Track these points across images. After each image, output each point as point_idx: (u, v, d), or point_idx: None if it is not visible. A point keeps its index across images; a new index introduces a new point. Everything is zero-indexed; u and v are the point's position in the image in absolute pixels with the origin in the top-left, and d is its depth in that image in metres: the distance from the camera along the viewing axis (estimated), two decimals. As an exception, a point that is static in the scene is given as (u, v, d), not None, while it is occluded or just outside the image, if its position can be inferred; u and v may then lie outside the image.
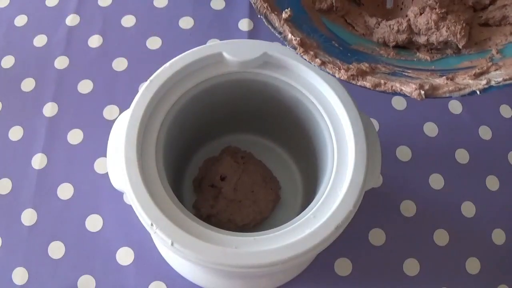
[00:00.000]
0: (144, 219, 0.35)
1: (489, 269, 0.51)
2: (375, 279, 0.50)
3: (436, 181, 0.54)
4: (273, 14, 0.39)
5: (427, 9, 0.41)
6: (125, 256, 0.49)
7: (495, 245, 0.52)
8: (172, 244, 0.34)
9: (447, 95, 0.35)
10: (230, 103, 0.46)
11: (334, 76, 0.36)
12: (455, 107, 0.58)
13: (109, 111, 0.56)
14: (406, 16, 0.42)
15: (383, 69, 0.38)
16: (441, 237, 0.52)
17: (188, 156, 0.51)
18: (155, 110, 0.40)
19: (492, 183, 0.55)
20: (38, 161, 0.53)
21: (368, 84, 0.36)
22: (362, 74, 0.36)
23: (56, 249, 0.49)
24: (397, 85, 0.35)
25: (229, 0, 0.63)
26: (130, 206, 0.37)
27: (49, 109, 0.56)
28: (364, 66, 0.37)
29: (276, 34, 0.38)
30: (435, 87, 0.35)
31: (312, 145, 0.45)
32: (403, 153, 0.55)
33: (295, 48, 0.37)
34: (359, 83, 0.36)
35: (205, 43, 0.59)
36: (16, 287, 0.48)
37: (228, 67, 0.42)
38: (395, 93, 0.35)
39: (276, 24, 0.38)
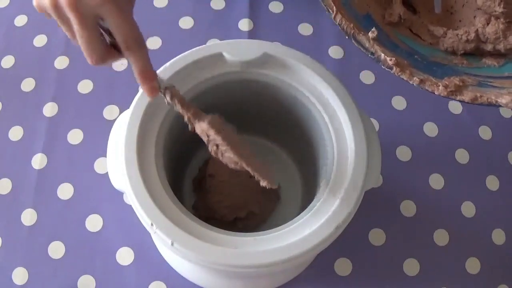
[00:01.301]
0: (144, 219, 0.36)
1: (489, 269, 0.51)
2: (375, 279, 0.50)
3: (436, 181, 0.54)
4: (361, 34, 0.39)
5: (492, 19, 0.43)
6: (125, 256, 0.49)
7: (495, 245, 0.52)
8: (172, 244, 0.35)
9: None
10: (230, 103, 0.46)
11: (433, 93, 0.37)
12: (455, 107, 0.58)
13: (109, 111, 0.56)
14: (473, 26, 0.44)
15: (469, 81, 0.40)
16: (441, 237, 0.52)
17: (188, 156, 0.51)
18: (155, 110, 0.40)
19: (492, 183, 0.55)
20: (38, 161, 0.53)
21: (466, 99, 0.37)
22: (459, 89, 0.38)
23: (56, 249, 0.49)
24: (493, 97, 0.37)
25: (229, 0, 0.63)
26: (130, 206, 0.37)
27: (49, 109, 0.56)
28: (456, 80, 0.39)
29: (368, 55, 0.39)
30: None
31: (312, 145, 0.45)
32: (403, 153, 0.55)
33: (390, 68, 0.38)
34: (458, 98, 0.38)
35: (205, 43, 0.59)
36: (16, 287, 0.48)
37: (228, 67, 0.42)
38: (490, 104, 0.37)
39: (367, 45, 0.39)
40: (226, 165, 0.45)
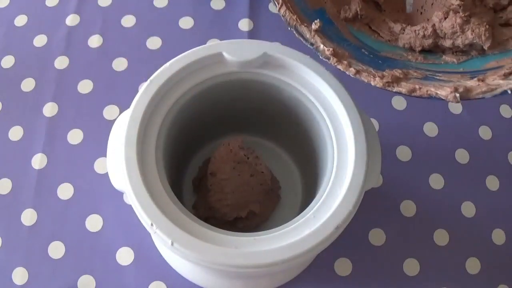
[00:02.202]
0: (144, 219, 0.36)
1: (489, 269, 0.51)
2: (375, 279, 0.50)
3: (436, 181, 0.54)
4: (303, 25, 0.39)
5: (451, 13, 0.42)
6: (125, 256, 0.49)
7: (495, 245, 0.52)
8: (172, 244, 0.35)
9: (480, 96, 0.35)
10: (230, 103, 0.46)
11: (370, 84, 0.37)
12: (455, 107, 0.58)
13: (109, 111, 0.56)
14: (430, 21, 0.43)
15: (415, 74, 0.39)
16: (441, 237, 0.52)
17: (188, 156, 0.51)
18: (155, 110, 0.40)
19: (492, 183, 0.55)
20: (38, 161, 0.53)
21: (404, 90, 0.36)
22: (397, 80, 0.37)
23: (56, 249, 0.49)
24: (432, 89, 0.36)
25: (229, 0, 0.63)
26: (130, 206, 0.37)
27: (49, 109, 0.56)
28: (397, 72, 0.38)
29: (308, 45, 0.38)
30: (468, 89, 0.35)
31: (312, 145, 0.45)
32: (403, 153, 0.55)
33: (328, 59, 0.38)
34: (394, 90, 0.37)
35: (205, 43, 0.59)
36: (16, 287, 0.48)
37: (228, 67, 0.42)
38: (430, 97, 0.36)
39: (307, 36, 0.39)
40: (227, 163, 0.46)
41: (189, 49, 0.41)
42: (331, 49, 0.37)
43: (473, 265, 0.51)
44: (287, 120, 0.47)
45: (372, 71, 0.37)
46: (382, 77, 0.36)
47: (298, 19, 0.39)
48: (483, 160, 0.56)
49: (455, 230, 0.52)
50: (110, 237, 0.50)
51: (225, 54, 0.41)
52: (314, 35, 0.39)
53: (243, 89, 0.44)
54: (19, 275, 0.48)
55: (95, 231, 0.50)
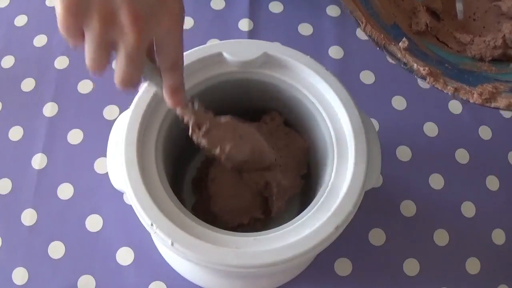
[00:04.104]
0: (144, 219, 0.36)
1: (489, 269, 0.51)
2: (375, 279, 0.50)
3: (436, 181, 0.54)
4: (391, 45, 0.39)
5: None
6: (125, 256, 0.49)
7: (495, 245, 0.52)
8: (172, 244, 0.34)
9: None
10: (230, 103, 0.46)
11: (468, 101, 0.37)
12: (455, 107, 0.58)
13: (109, 111, 0.56)
14: (501, 32, 0.44)
15: (502, 87, 0.40)
16: (441, 237, 0.52)
17: (188, 156, 0.51)
18: (155, 110, 0.40)
19: (492, 183, 0.55)
20: (38, 161, 0.53)
21: (502, 105, 0.38)
22: (492, 96, 0.38)
23: (56, 249, 0.49)
24: None
25: (229, 0, 0.63)
26: (130, 206, 0.37)
27: (49, 109, 0.56)
28: (489, 87, 0.38)
29: (401, 66, 0.38)
30: None
31: (312, 145, 0.45)
32: (403, 153, 0.55)
33: (424, 78, 0.38)
34: (492, 105, 0.38)
35: (205, 43, 0.59)
36: (16, 287, 0.48)
37: (228, 67, 0.42)
38: None
39: (399, 55, 0.39)
40: (227, 166, 0.45)
41: (189, 49, 0.41)
42: (427, 68, 0.37)
43: (473, 265, 0.51)
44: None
45: (467, 88, 0.38)
46: (480, 94, 0.37)
47: (386, 38, 0.39)
48: (483, 160, 0.56)
49: (455, 230, 0.52)
50: (110, 237, 0.50)
51: (225, 54, 0.41)
52: (405, 54, 0.39)
53: (243, 89, 0.44)
54: (19, 275, 0.48)
55: (95, 231, 0.50)
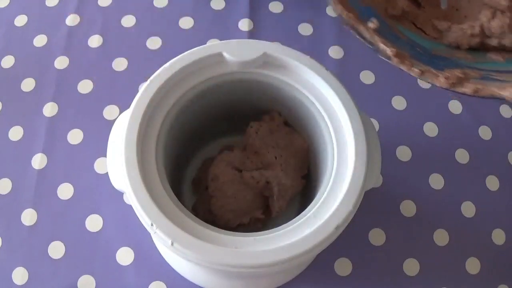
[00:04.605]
0: (144, 219, 0.35)
1: (489, 269, 0.51)
2: (375, 279, 0.50)
3: (436, 181, 0.54)
4: (360, 25, 0.39)
5: (498, 13, 0.42)
6: (125, 256, 0.49)
7: (495, 245, 0.52)
8: (172, 244, 0.34)
9: None
10: (230, 103, 0.46)
11: (434, 85, 0.36)
12: (455, 107, 0.58)
13: (109, 111, 0.56)
14: (478, 20, 0.43)
15: (472, 74, 0.39)
16: (441, 237, 0.52)
17: (188, 156, 0.51)
18: (155, 110, 0.40)
19: (492, 183, 0.55)
20: (38, 161, 0.53)
21: (468, 91, 0.36)
22: (460, 81, 0.37)
23: (56, 249, 0.49)
24: (495, 89, 0.36)
25: (229, 0, 0.63)
26: (130, 206, 0.37)
27: (49, 109, 0.56)
28: (458, 72, 0.37)
29: (367, 45, 0.38)
30: None
31: (312, 145, 0.45)
32: (403, 153, 0.55)
33: (389, 59, 0.37)
34: (459, 90, 0.37)
35: (205, 43, 0.59)
36: (16, 287, 0.48)
37: (228, 67, 0.42)
38: (493, 97, 0.36)
39: (367, 36, 0.38)
40: (228, 166, 0.45)
41: (189, 49, 0.41)
42: (393, 49, 0.37)
43: (473, 265, 0.51)
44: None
45: (434, 71, 0.37)
46: (447, 78, 0.36)
47: (355, 18, 0.39)
48: (483, 160, 0.56)
49: (455, 230, 0.52)
50: (110, 237, 0.50)
51: (225, 54, 0.41)
52: (373, 35, 0.38)
53: (243, 89, 0.44)
54: (19, 275, 0.48)
55: (95, 231, 0.50)
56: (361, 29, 0.38)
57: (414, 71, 0.37)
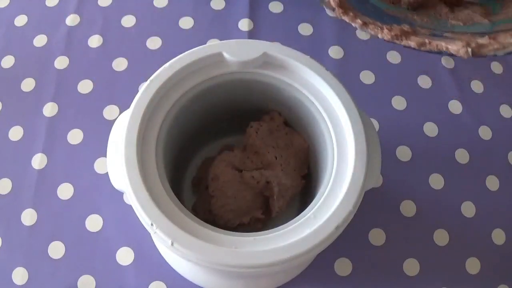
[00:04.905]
0: (144, 219, 0.36)
1: (489, 269, 0.51)
2: (375, 279, 0.50)
3: (436, 181, 0.54)
4: None
5: None
6: (125, 256, 0.49)
7: (495, 245, 0.52)
8: (172, 244, 0.35)
9: (492, 53, 0.34)
10: (230, 103, 0.46)
11: (377, 37, 0.35)
12: (455, 107, 0.58)
13: (109, 111, 0.56)
14: None
15: (422, 31, 0.37)
16: (441, 237, 0.52)
17: (188, 156, 0.51)
18: (155, 110, 0.40)
19: (492, 183, 0.55)
20: (38, 161, 0.53)
21: (413, 43, 0.35)
22: (406, 34, 0.35)
23: (56, 249, 0.49)
24: (443, 44, 0.34)
25: (229, 0, 0.63)
26: (130, 206, 0.37)
27: (49, 109, 0.56)
28: (405, 27, 0.36)
29: None
30: (480, 45, 0.34)
31: (312, 145, 0.45)
32: (403, 153, 0.55)
33: (333, 9, 0.36)
34: (403, 43, 0.35)
35: (205, 43, 0.59)
36: (16, 287, 0.48)
37: (228, 67, 0.42)
38: (440, 52, 0.34)
39: None
40: (228, 166, 0.45)
41: (189, 49, 0.41)
42: (337, 0, 0.36)
43: (473, 265, 0.51)
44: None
45: (379, 23, 0.36)
46: (390, 30, 0.35)
47: None
48: (483, 160, 0.56)
49: (455, 230, 0.52)
50: (110, 237, 0.50)
51: (225, 54, 0.41)
52: None
53: (243, 89, 0.44)
54: (19, 275, 0.48)
55: (95, 231, 0.50)
56: None
57: (357, 22, 0.36)
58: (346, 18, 0.36)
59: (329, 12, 0.36)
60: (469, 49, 0.34)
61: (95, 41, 0.60)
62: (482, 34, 0.37)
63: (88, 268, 0.49)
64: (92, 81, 0.58)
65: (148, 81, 0.40)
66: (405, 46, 0.35)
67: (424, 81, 0.59)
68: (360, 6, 0.39)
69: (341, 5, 0.36)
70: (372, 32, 0.35)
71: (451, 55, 0.34)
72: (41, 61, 0.59)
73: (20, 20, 0.61)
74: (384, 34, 0.35)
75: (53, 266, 0.49)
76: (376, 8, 0.41)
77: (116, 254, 0.49)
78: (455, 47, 0.34)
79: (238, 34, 0.61)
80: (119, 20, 0.62)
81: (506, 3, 0.43)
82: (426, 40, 0.35)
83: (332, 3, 0.36)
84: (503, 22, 0.40)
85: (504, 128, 0.58)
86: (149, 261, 0.49)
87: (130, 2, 0.63)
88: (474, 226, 0.53)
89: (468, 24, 0.41)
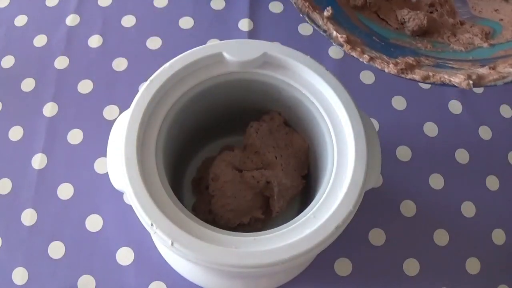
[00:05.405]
0: (144, 219, 0.36)
1: (489, 269, 0.51)
2: (375, 279, 0.50)
3: (436, 181, 0.54)
4: (315, 12, 0.39)
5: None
6: (125, 256, 0.49)
7: (495, 245, 0.52)
8: (172, 244, 0.35)
9: (492, 83, 0.36)
10: (230, 103, 0.46)
11: (384, 71, 0.36)
12: (455, 107, 0.58)
13: (109, 111, 0.56)
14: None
15: (426, 62, 0.39)
16: (441, 237, 0.52)
17: (188, 156, 0.51)
18: (155, 110, 0.40)
19: (492, 183, 0.55)
20: (38, 161, 0.53)
21: (417, 77, 0.36)
22: (411, 67, 0.37)
23: (56, 249, 0.49)
24: (446, 76, 0.36)
25: (229, 0, 0.63)
26: (130, 206, 0.37)
27: (49, 109, 0.56)
28: (410, 59, 0.37)
29: (321, 32, 0.38)
30: (481, 77, 0.36)
31: (312, 145, 0.45)
32: (403, 153, 0.55)
33: (341, 45, 0.37)
34: (408, 77, 0.37)
35: (205, 43, 0.59)
36: (16, 287, 0.48)
37: (228, 67, 0.42)
38: (443, 84, 0.36)
39: (320, 23, 0.39)
40: (228, 166, 0.45)
41: (189, 49, 0.41)
42: (344, 36, 0.37)
43: (473, 265, 0.51)
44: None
45: (386, 58, 0.37)
46: (396, 64, 0.36)
47: (310, 6, 0.39)
48: (483, 160, 0.56)
49: (455, 230, 0.52)
50: (110, 237, 0.50)
51: (225, 54, 0.41)
52: (326, 22, 0.39)
53: (243, 89, 0.44)
54: (19, 275, 0.48)
55: (95, 231, 0.50)
56: (315, 16, 0.39)
57: (365, 58, 0.37)
58: (354, 54, 0.38)
59: (337, 47, 0.38)
60: (471, 82, 0.35)
61: (95, 41, 0.60)
62: (482, 62, 0.39)
63: (88, 268, 0.49)
64: (92, 81, 0.58)
65: (148, 81, 0.40)
66: (410, 79, 0.36)
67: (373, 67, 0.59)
68: (364, 36, 0.40)
69: (349, 41, 0.37)
70: (379, 67, 0.37)
71: (454, 86, 0.36)
72: (41, 61, 0.59)
73: (20, 20, 0.61)
74: (390, 68, 0.36)
75: (53, 266, 0.49)
76: (381, 38, 0.42)
77: (116, 254, 0.49)
78: (457, 79, 0.36)
79: (238, 34, 0.61)
80: (119, 20, 0.62)
81: (504, 24, 0.44)
82: (430, 73, 0.37)
83: (340, 39, 0.37)
84: (503, 46, 0.42)
85: (504, 128, 0.58)
86: (149, 261, 0.49)
87: (130, 2, 0.63)
88: (474, 226, 0.53)
89: (469, 49, 0.43)
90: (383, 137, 0.43)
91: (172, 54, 0.41)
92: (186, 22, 0.62)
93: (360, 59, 0.37)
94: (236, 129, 0.49)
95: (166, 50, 0.60)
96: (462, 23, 0.46)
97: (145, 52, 0.60)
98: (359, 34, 0.40)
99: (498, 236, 0.52)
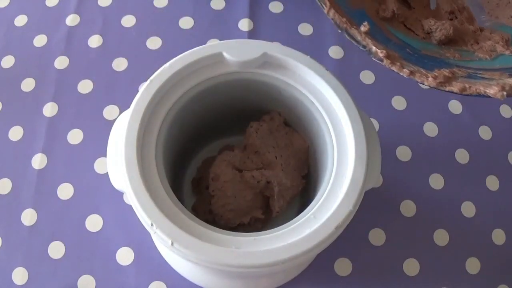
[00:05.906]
0: (144, 219, 0.36)
1: (489, 269, 0.51)
2: (375, 279, 0.50)
3: (436, 181, 0.54)
4: (353, 28, 0.40)
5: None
6: (125, 256, 0.49)
7: (495, 245, 0.52)
8: (172, 244, 0.35)
9: None
10: (230, 103, 0.46)
11: (423, 84, 0.38)
12: (455, 107, 0.58)
13: (109, 111, 0.56)
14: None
15: (460, 73, 0.40)
16: (441, 237, 0.52)
17: (188, 156, 0.51)
18: (155, 110, 0.40)
19: (492, 183, 0.55)
20: (38, 161, 0.53)
21: (455, 89, 0.38)
22: (448, 80, 0.38)
23: (56, 249, 0.49)
24: (481, 88, 0.37)
25: (229, 0, 0.63)
26: (130, 206, 0.37)
27: (49, 109, 0.56)
28: (446, 71, 0.39)
29: (360, 48, 0.40)
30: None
31: (312, 145, 0.45)
32: (403, 153, 0.55)
33: (381, 61, 0.39)
34: (447, 89, 0.38)
35: (205, 43, 0.59)
36: (16, 287, 0.48)
37: (228, 67, 0.42)
38: (478, 95, 0.37)
39: (359, 38, 0.40)
40: (228, 166, 0.45)
41: (189, 49, 0.41)
42: (384, 51, 0.38)
43: (473, 265, 0.51)
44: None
45: (423, 71, 0.38)
46: (435, 78, 0.38)
47: (348, 22, 0.40)
48: (483, 160, 0.56)
49: (455, 230, 0.52)
50: (110, 237, 0.50)
51: (225, 54, 0.41)
52: (365, 38, 0.40)
53: (243, 89, 0.44)
54: (19, 275, 0.48)
55: (95, 231, 0.50)
56: (354, 32, 0.40)
57: (405, 72, 0.38)
58: (394, 68, 0.39)
59: (421, 84, 0.39)
60: (504, 93, 0.37)
61: (95, 41, 0.60)
62: (510, 72, 0.41)
63: (88, 268, 0.49)
64: (92, 81, 0.58)
65: (148, 81, 0.40)
66: (448, 91, 0.37)
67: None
68: (399, 49, 0.41)
69: (388, 56, 0.38)
70: (419, 80, 0.38)
71: (488, 96, 0.38)
72: (41, 61, 0.59)
73: (20, 20, 0.61)
74: (430, 81, 0.38)
75: (53, 266, 0.49)
76: (413, 50, 0.44)
77: (116, 254, 0.49)
78: (492, 91, 0.37)
79: (238, 34, 0.61)
80: (119, 20, 0.62)
81: None
82: (467, 85, 0.38)
83: (380, 55, 0.38)
84: None
85: (504, 128, 0.58)
86: (149, 261, 0.49)
87: (130, 2, 0.63)
88: (474, 226, 0.53)
89: (493, 56, 0.44)
90: (383, 137, 0.43)
91: (172, 54, 0.41)
92: (186, 22, 0.62)
93: (400, 73, 0.38)
94: (236, 129, 0.49)
95: (166, 50, 0.60)
96: (481, 30, 0.47)
97: (145, 52, 0.60)
98: (393, 47, 0.42)
99: (498, 236, 0.52)
